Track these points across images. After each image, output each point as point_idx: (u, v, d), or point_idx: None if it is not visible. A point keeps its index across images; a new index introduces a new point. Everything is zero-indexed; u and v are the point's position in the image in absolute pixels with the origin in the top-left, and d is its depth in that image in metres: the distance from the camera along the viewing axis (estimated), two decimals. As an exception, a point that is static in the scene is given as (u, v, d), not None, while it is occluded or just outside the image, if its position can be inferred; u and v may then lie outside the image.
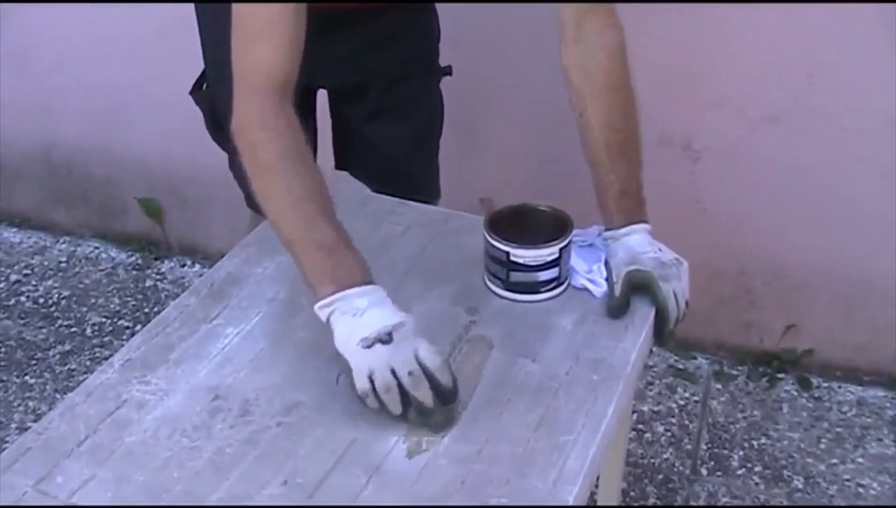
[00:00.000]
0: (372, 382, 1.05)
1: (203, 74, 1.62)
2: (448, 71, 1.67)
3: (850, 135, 1.99)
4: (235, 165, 1.66)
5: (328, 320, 1.10)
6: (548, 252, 1.25)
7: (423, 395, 1.05)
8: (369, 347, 1.05)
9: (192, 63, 1.62)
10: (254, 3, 1.19)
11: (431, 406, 1.06)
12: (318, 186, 1.17)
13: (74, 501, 0.99)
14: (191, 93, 1.63)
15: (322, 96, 1.66)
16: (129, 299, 2.57)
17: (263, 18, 1.19)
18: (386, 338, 1.06)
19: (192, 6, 1.60)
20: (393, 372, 1.05)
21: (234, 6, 1.20)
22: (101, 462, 1.03)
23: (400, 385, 1.05)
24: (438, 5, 1.62)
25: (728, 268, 2.22)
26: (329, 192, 1.18)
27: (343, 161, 1.70)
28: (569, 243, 1.27)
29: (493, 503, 0.98)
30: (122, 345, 1.24)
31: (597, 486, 1.57)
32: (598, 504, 1.63)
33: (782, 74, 1.99)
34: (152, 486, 1.00)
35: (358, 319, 1.07)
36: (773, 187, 2.10)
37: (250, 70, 1.20)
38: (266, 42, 1.20)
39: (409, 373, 1.05)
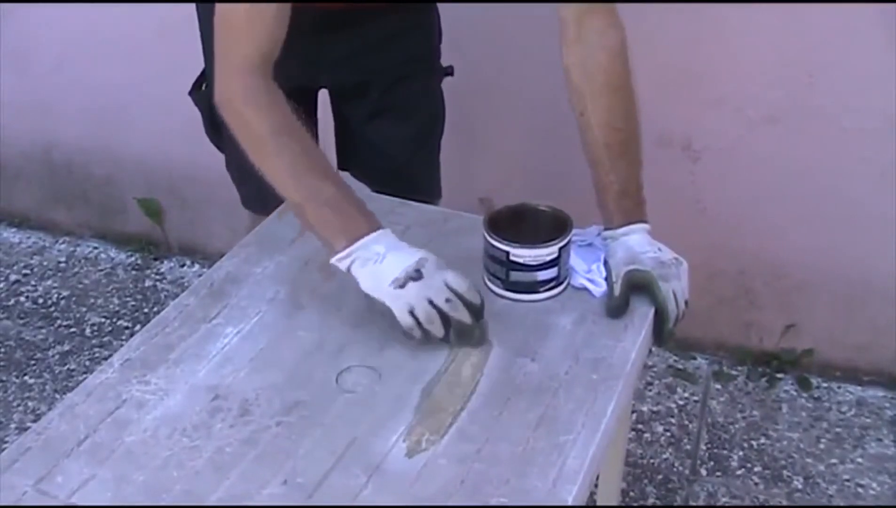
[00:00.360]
0: (414, 316, 1.13)
1: (202, 73, 1.63)
2: (449, 71, 1.67)
3: (849, 135, 1.99)
4: (233, 165, 1.67)
5: (349, 269, 1.17)
6: (547, 252, 1.25)
7: (463, 315, 1.15)
8: (402, 286, 1.13)
9: (192, 63, 1.62)
10: None
11: (471, 324, 1.16)
12: (312, 152, 1.23)
13: (74, 501, 0.99)
14: (190, 93, 1.63)
15: (323, 96, 1.66)
16: (128, 299, 2.57)
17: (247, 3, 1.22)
18: (416, 275, 1.14)
19: (191, 6, 1.60)
20: (430, 302, 1.13)
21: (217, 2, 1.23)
22: (101, 462, 1.03)
23: (440, 312, 1.14)
24: (440, 5, 1.62)
25: (728, 268, 2.22)
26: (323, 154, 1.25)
27: (344, 161, 1.70)
28: (568, 242, 1.27)
29: (492, 502, 0.98)
30: (122, 345, 1.23)
31: (596, 486, 1.57)
32: (598, 503, 1.63)
33: (782, 74, 1.99)
34: (152, 486, 1.00)
35: (380, 264, 1.15)
36: (773, 187, 2.10)
37: (234, 50, 1.24)
38: (250, 20, 1.23)
39: (447, 300, 1.14)
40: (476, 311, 1.17)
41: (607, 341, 1.21)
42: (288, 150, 1.21)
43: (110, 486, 1.00)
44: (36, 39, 2.56)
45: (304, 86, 1.59)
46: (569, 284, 1.31)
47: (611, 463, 1.55)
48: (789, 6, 1.89)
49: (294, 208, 1.23)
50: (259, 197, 1.42)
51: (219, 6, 1.25)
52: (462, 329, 1.17)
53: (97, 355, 2.35)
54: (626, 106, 1.33)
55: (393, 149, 1.65)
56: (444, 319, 1.15)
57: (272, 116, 1.23)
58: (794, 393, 2.21)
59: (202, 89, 1.62)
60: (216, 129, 1.54)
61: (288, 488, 1.00)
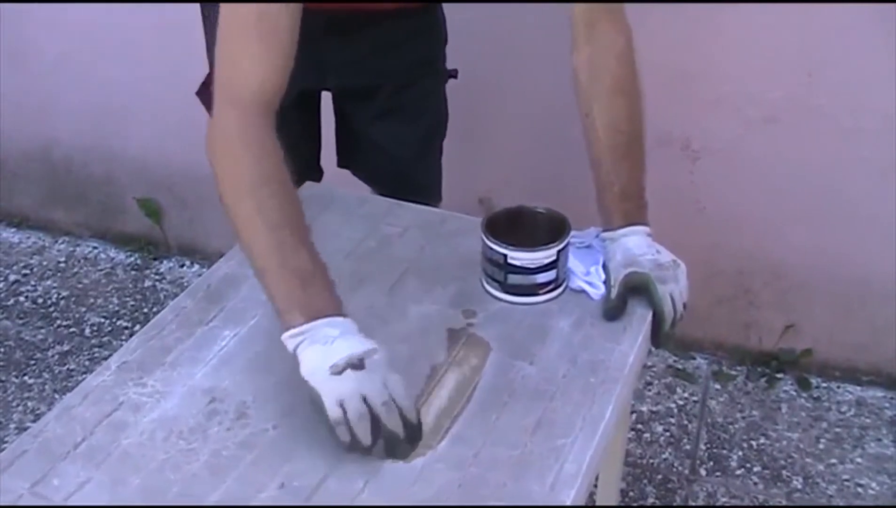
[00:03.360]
0: (343, 410, 1.00)
1: (210, 74, 1.62)
2: (454, 74, 1.67)
3: (849, 135, 1.99)
4: None
5: (295, 351, 1.05)
6: (545, 254, 1.25)
7: (396, 426, 1.01)
8: (339, 373, 1.01)
9: (192, 63, 1.61)
10: (246, 5, 1.15)
11: (402, 437, 1.01)
12: (295, 212, 1.13)
13: (70, 504, 0.99)
14: (197, 93, 1.62)
15: (323, 96, 1.65)
16: (127, 299, 2.57)
17: (256, 27, 1.15)
18: (357, 363, 1.02)
19: (191, 6, 1.59)
20: (364, 400, 1.00)
21: (223, 9, 1.16)
22: (98, 465, 1.03)
23: (372, 415, 1.00)
24: (445, 9, 1.62)
25: (727, 268, 2.22)
26: (305, 218, 1.14)
27: (346, 162, 1.69)
28: (566, 245, 1.27)
29: (490, 506, 0.98)
30: (121, 345, 1.23)
31: (596, 486, 1.57)
32: (597, 503, 1.63)
33: (782, 74, 1.99)
34: (148, 489, 1.00)
35: (328, 346, 1.03)
36: (773, 187, 2.10)
37: (237, 81, 1.17)
38: (257, 52, 1.16)
39: (383, 403, 1.00)
40: (411, 429, 1.02)
41: (605, 343, 1.21)
42: (270, 204, 1.11)
43: (107, 489, 1.00)
44: (36, 39, 2.56)
45: (310, 88, 1.59)
46: (567, 286, 1.31)
47: (610, 464, 1.54)
48: (789, 6, 1.89)
49: (255, 268, 1.11)
50: None
51: (223, 28, 1.16)
52: (393, 442, 1.01)
53: (97, 355, 2.35)
54: (631, 109, 1.33)
55: (397, 150, 1.64)
56: (375, 424, 1.00)
57: (263, 164, 1.14)
58: (794, 393, 2.21)
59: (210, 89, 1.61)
60: None
61: (285, 492, 1.00)
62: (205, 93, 1.61)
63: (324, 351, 1.03)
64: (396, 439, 1.01)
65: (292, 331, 1.06)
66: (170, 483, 1.01)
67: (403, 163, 1.66)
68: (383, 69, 1.56)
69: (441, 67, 1.65)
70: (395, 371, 1.04)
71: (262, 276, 1.11)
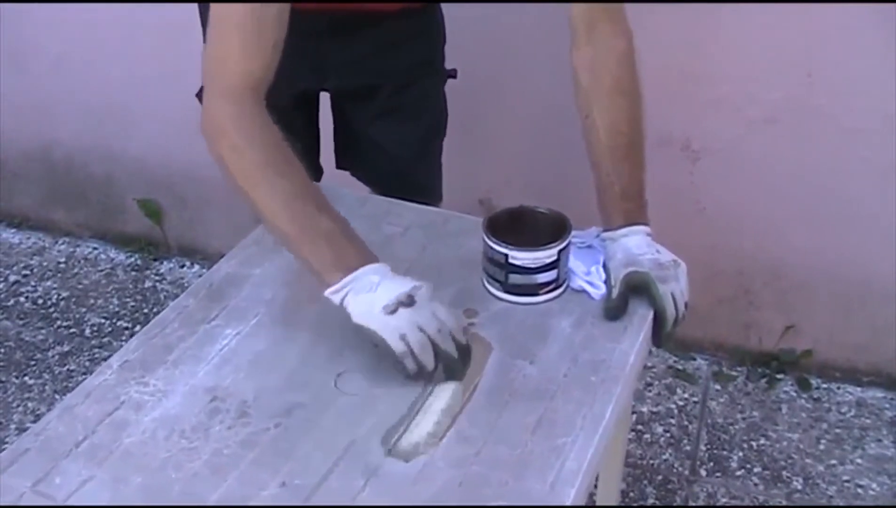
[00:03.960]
0: (406, 343, 1.09)
1: None
2: (453, 74, 1.67)
3: (849, 135, 1.99)
4: None
5: (342, 302, 1.12)
6: (546, 254, 1.25)
7: (451, 348, 1.11)
8: (393, 312, 1.09)
9: (192, 63, 1.61)
10: (236, 3, 1.18)
11: (457, 360, 1.11)
12: (305, 182, 1.19)
13: (72, 502, 0.99)
14: (198, 95, 1.62)
15: (322, 97, 1.65)
16: (128, 299, 2.57)
17: (244, 18, 1.18)
18: (407, 300, 1.10)
19: (191, 6, 1.59)
20: (421, 330, 1.09)
21: (212, 7, 1.19)
22: (99, 463, 1.03)
23: (431, 341, 1.10)
24: (443, 9, 1.62)
25: (727, 268, 2.22)
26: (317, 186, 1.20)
27: (345, 162, 1.69)
28: (567, 245, 1.27)
29: (490, 504, 0.98)
30: (121, 346, 1.23)
31: (596, 486, 1.57)
32: (597, 504, 1.63)
33: (782, 74, 1.99)
34: (150, 487, 1.00)
35: (374, 292, 1.11)
36: (773, 187, 2.10)
37: (226, 69, 1.20)
38: (244, 41, 1.19)
39: (438, 330, 1.10)
40: (463, 350, 1.13)
41: (606, 343, 1.21)
42: (282, 182, 1.17)
43: (108, 487, 1.00)
44: (36, 39, 2.56)
45: (309, 89, 1.59)
46: (568, 286, 1.31)
47: (610, 464, 1.55)
48: (789, 6, 1.89)
49: (284, 241, 1.18)
50: None
51: (213, 22, 1.20)
52: (449, 364, 1.12)
53: (97, 355, 2.35)
54: (631, 110, 1.33)
55: (397, 150, 1.64)
56: (435, 349, 1.11)
57: (266, 147, 1.18)
58: (794, 394, 2.21)
59: None
60: None
61: (286, 490, 1.00)
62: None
63: (372, 297, 1.11)
64: (453, 360, 1.11)
65: (334, 287, 1.12)
66: (171, 481, 1.01)
67: (403, 163, 1.66)
68: (383, 69, 1.56)
69: (440, 66, 1.66)
70: (439, 302, 1.13)
71: (291, 248, 1.17)
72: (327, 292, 1.13)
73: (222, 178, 1.19)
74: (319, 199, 1.18)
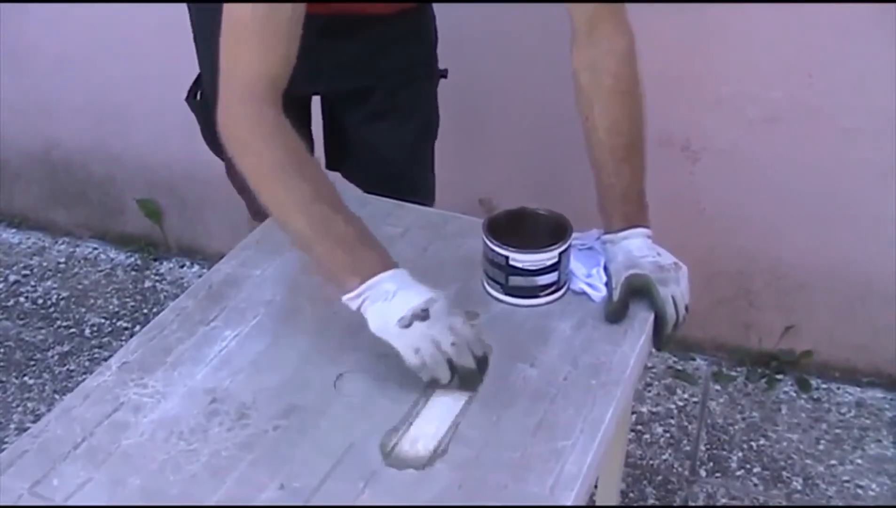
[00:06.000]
0: (421, 357, 1.09)
1: (197, 80, 1.61)
2: (444, 74, 1.67)
3: (849, 135, 1.99)
4: (236, 176, 1.66)
5: (359, 309, 1.12)
6: (547, 256, 1.25)
7: (468, 362, 1.11)
8: (408, 326, 1.09)
9: (192, 63, 1.61)
10: (250, 3, 1.17)
11: (475, 370, 1.11)
12: (324, 184, 1.19)
13: (70, 504, 0.99)
14: (186, 99, 1.62)
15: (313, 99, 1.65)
16: (128, 299, 2.57)
17: (259, 18, 1.17)
18: (422, 314, 1.10)
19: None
20: (437, 345, 1.09)
21: (224, 8, 1.18)
22: (98, 465, 1.03)
23: (446, 356, 1.10)
24: (435, 8, 1.62)
25: (727, 268, 2.22)
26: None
27: (336, 165, 1.68)
28: (568, 247, 1.27)
29: (490, 506, 0.98)
30: (121, 346, 1.23)
31: (596, 487, 1.57)
32: (597, 504, 1.63)
33: (782, 74, 1.98)
34: (148, 489, 1.00)
35: (389, 303, 1.11)
36: (773, 188, 2.10)
37: (242, 71, 1.19)
38: (261, 42, 1.18)
39: (452, 344, 1.10)
40: (479, 362, 1.13)
41: (606, 346, 1.21)
42: (299, 184, 1.16)
43: (106, 489, 1.00)
44: (36, 39, 2.56)
45: (302, 93, 1.59)
46: (568, 288, 1.30)
47: (610, 465, 1.55)
48: (789, 6, 1.89)
49: (301, 244, 1.17)
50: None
51: (227, 24, 1.19)
52: (466, 376, 1.12)
53: (97, 355, 2.35)
54: (632, 111, 1.33)
55: (390, 152, 1.64)
56: (450, 363, 1.10)
57: (282, 148, 1.18)
58: (794, 394, 2.21)
59: (197, 98, 1.61)
60: (214, 137, 1.54)
61: (285, 492, 1.00)
62: (193, 100, 1.61)
63: (386, 307, 1.11)
64: (470, 372, 1.11)
65: (351, 293, 1.12)
66: (170, 483, 1.01)
67: (396, 165, 1.66)
68: (377, 71, 1.56)
69: (434, 67, 1.65)
70: (456, 313, 1.13)
71: (308, 252, 1.17)
72: (345, 298, 1.13)
73: (242, 178, 1.19)
74: (336, 201, 1.18)
